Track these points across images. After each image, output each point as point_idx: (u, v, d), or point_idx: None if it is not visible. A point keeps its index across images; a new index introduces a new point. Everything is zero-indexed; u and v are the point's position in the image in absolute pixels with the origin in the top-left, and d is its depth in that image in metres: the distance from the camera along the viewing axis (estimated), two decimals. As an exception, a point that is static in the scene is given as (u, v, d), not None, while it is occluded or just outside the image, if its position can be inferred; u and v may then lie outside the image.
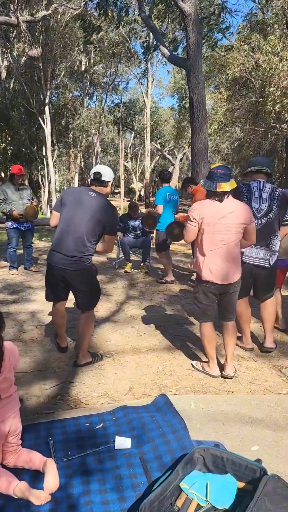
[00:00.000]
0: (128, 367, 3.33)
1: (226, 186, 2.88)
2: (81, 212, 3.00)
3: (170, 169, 34.23)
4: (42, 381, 3.04)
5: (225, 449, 2.10)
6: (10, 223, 6.18)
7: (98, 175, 3.09)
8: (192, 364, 3.39)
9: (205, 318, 3.17)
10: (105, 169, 3.14)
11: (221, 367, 3.28)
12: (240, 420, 2.56)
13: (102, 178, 3.10)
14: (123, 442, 2.17)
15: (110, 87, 31.48)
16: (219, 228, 2.91)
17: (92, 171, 3.14)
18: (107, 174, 3.12)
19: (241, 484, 1.80)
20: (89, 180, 3.24)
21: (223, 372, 3.23)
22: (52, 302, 3.36)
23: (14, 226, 6.19)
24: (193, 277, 6.39)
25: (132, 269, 7.00)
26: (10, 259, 6.33)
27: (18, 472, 1.95)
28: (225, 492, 1.75)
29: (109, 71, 29.92)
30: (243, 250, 3.31)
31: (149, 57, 25.87)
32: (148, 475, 1.96)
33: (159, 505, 1.67)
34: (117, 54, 26.06)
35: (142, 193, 32.65)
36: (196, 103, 6.12)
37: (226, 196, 2.94)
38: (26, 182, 27.76)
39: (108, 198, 3.16)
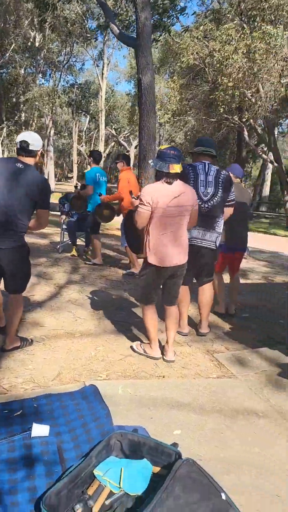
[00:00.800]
0: (59, 352, 3.21)
1: (178, 168, 2.85)
2: (9, 185, 2.78)
3: (124, 156, 33.93)
4: None
5: (145, 434, 2.05)
6: None
7: (25, 143, 2.84)
8: (131, 346, 3.33)
9: (150, 301, 3.15)
10: (32, 136, 2.90)
11: (161, 353, 3.26)
12: (167, 404, 2.53)
13: (30, 148, 2.86)
14: (40, 430, 2.06)
15: (65, 66, 30.49)
16: (171, 211, 2.87)
17: (18, 139, 2.89)
18: (35, 142, 2.88)
19: (157, 469, 1.76)
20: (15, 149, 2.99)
21: (164, 357, 3.21)
22: None
23: None
24: (125, 261, 6.36)
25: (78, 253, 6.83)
26: None
27: None
28: (139, 478, 1.70)
29: (64, 50, 28.95)
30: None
31: (105, 39, 25.29)
32: (64, 463, 1.87)
33: (68, 494, 1.58)
34: (73, 33, 25.21)
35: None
36: (144, 85, 5.97)
37: (175, 179, 2.90)
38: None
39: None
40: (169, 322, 3.22)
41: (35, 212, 2.98)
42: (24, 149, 2.86)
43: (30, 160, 2.90)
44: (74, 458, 1.91)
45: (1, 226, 2.79)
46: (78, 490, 1.64)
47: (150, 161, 2.98)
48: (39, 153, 2.94)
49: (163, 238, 2.93)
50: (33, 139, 2.88)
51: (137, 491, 1.66)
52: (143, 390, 2.68)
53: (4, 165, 2.83)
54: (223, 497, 1.56)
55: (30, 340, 3.29)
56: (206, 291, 3.75)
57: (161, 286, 3.19)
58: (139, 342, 3.36)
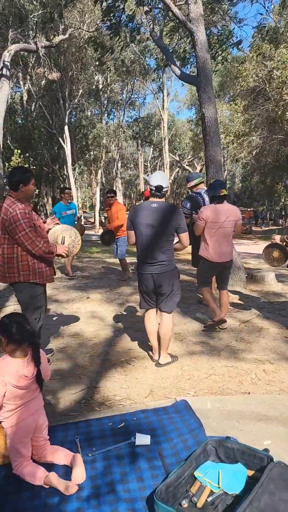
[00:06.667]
0: (149, 373, 3.50)
1: (224, 191, 4.26)
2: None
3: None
4: (67, 387, 3.25)
5: (236, 441, 2.24)
6: None
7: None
8: (196, 315, 4.91)
9: (205, 284, 4.54)
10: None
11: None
12: (255, 417, 2.69)
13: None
14: (143, 439, 2.34)
15: (127, 103, 32.17)
16: (219, 224, 4.21)
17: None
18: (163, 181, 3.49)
19: (251, 472, 1.95)
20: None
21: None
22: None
23: None
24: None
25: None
26: None
27: (48, 467, 2.16)
28: (236, 480, 1.90)
29: (126, 88, 30.65)
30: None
31: (162, 74, 26.36)
32: (166, 467, 2.12)
33: (174, 490, 1.83)
34: (132, 72, 26.70)
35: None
36: (208, 118, 6.30)
37: (224, 199, 4.24)
38: (50, 200, 28.56)
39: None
40: (223, 300, 4.56)
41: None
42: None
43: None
44: (174, 463, 2.16)
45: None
46: (182, 489, 1.89)
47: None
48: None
49: (214, 243, 4.28)
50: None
51: (235, 490, 1.86)
52: (230, 405, 2.87)
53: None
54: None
55: (176, 358, 3.73)
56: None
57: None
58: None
